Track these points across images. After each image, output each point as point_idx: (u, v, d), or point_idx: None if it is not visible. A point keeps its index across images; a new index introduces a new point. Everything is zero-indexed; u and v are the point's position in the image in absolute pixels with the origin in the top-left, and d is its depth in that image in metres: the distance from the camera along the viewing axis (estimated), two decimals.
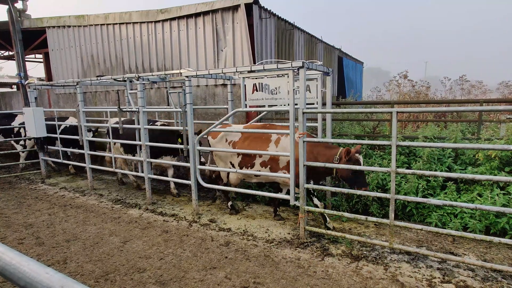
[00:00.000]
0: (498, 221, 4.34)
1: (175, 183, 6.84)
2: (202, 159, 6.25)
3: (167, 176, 6.70)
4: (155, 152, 6.41)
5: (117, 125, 6.60)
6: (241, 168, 5.19)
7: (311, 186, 4.46)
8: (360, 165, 4.29)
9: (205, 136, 5.55)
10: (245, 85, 5.48)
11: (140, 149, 6.52)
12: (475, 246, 4.25)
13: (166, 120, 7.89)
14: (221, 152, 5.40)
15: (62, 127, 8.37)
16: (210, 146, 5.57)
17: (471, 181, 4.99)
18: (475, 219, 4.47)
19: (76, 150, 8.08)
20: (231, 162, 5.38)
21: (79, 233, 4.99)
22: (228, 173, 5.59)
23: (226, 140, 5.39)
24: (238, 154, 5.20)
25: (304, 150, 4.27)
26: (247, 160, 5.17)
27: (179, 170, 7.92)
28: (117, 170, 7.04)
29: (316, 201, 4.73)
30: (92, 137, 7.91)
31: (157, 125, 6.55)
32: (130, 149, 6.90)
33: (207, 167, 5.77)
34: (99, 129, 8.66)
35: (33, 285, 0.83)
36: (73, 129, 8.23)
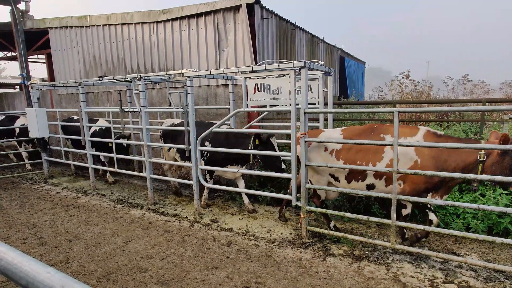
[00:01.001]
0: (501, 221, 4.32)
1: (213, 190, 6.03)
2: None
3: (238, 187, 5.87)
4: (218, 161, 5.66)
5: (171, 128, 6.02)
6: (349, 182, 4.32)
7: (312, 186, 4.46)
8: None
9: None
10: (246, 85, 5.46)
11: (205, 155, 5.74)
12: (478, 247, 4.24)
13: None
14: (318, 163, 4.44)
15: (91, 130, 7.62)
16: (299, 156, 4.53)
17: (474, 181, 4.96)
18: (477, 219, 4.45)
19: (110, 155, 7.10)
20: (333, 175, 4.44)
21: (82, 233, 5.00)
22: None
23: (326, 149, 4.42)
24: (344, 164, 4.25)
25: (306, 150, 4.27)
26: (357, 171, 4.18)
27: (181, 170, 7.93)
28: (120, 171, 7.05)
29: (432, 216, 3.93)
30: (126, 144, 7.17)
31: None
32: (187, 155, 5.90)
33: (207, 167, 5.76)
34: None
35: (35, 284, 0.83)
36: (105, 133, 7.52)
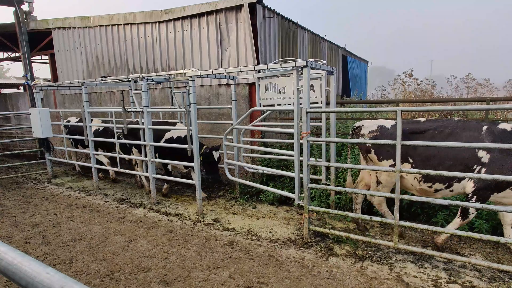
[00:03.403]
0: None
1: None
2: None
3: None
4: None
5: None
6: None
7: (314, 185, 4.44)
8: None
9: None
10: (259, 85, 5.71)
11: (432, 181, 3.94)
12: (482, 247, 4.20)
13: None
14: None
15: (167, 137, 6.49)
16: None
17: None
18: (481, 219, 4.41)
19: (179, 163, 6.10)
20: None
21: (85, 232, 5.02)
22: None
23: None
24: None
25: (308, 149, 4.25)
26: None
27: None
28: (125, 171, 7.05)
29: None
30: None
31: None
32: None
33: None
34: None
35: (34, 285, 0.84)
36: (178, 141, 6.33)
